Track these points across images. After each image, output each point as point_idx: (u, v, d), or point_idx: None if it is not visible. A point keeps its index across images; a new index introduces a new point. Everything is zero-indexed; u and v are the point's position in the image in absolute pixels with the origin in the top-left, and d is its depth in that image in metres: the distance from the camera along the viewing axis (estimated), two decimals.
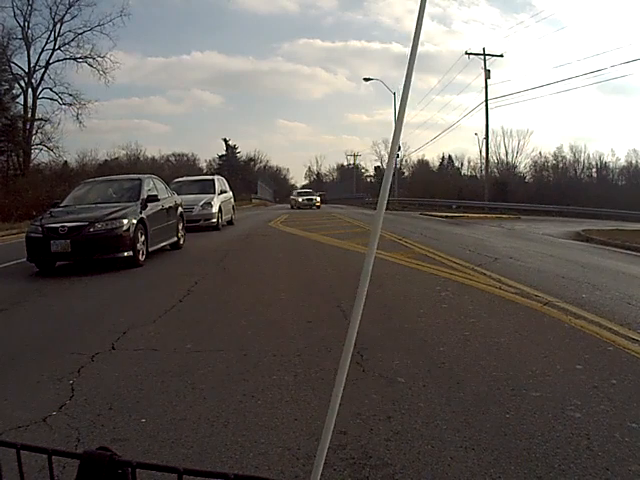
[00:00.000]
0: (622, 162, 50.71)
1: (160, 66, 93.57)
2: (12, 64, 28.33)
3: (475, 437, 2.49)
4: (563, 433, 2.51)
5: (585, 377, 3.24)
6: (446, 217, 23.22)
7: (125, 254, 7.92)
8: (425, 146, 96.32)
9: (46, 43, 29.91)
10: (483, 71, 32.17)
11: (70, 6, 29.51)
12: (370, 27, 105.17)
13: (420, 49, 0.71)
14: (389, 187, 0.68)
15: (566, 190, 38.28)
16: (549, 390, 3.03)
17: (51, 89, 30.02)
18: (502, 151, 50.91)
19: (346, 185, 64.29)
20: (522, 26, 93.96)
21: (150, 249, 8.75)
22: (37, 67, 29.87)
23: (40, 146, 29.40)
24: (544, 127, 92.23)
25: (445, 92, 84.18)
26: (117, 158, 42.87)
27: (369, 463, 2.28)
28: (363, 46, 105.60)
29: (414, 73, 0.69)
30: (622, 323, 4.43)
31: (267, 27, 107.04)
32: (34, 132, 29.43)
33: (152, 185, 9.77)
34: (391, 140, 0.71)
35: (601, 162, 49.78)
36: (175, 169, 47.50)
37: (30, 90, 29.58)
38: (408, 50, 0.68)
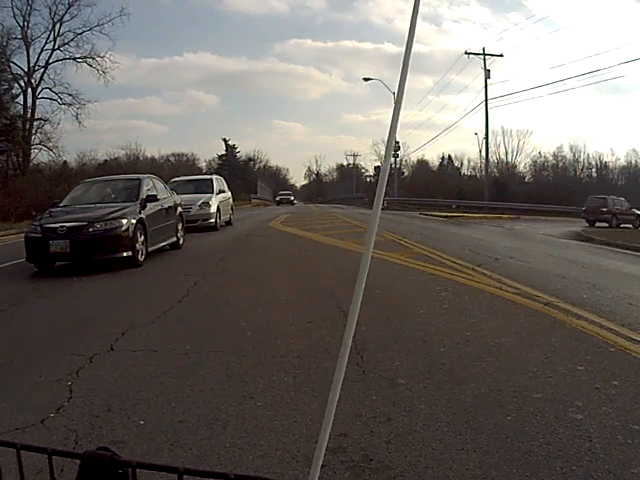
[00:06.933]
0: (622, 162, 50.86)
1: (155, 67, 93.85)
2: (12, 64, 28.38)
3: (476, 439, 2.47)
4: (565, 435, 2.49)
5: (587, 378, 3.22)
6: (446, 217, 23.21)
7: (124, 254, 7.88)
8: (425, 146, 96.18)
9: (45, 43, 29.95)
10: (482, 71, 32.18)
11: (69, 6, 29.55)
12: (361, 27, 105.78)
13: (413, 49, 0.69)
14: (385, 187, 0.67)
15: (566, 190, 38.21)
16: (550, 391, 3.01)
17: (50, 89, 30.04)
18: (502, 151, 51.02)
19: (346, 185, 64.30)
20: (518, 27, 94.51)
21: (149, 249, 8.72)
22: (37, 67, 29.90)
23: (39, 146, 29.45)
24: (544, 127, 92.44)
25: (443, 92, 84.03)
26: (116, 158, 42.96)
27: (369, 466, 2.26)
28: (355, 46, 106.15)
29: (408, 73, 0.67)
30: (623, 324, 4.41)
31: (259, 28, 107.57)
32: (34, 132, 29.45)
33: (151, 185, 9.74)
34: (386, 140, 0.70)
35: (601, 162, 49.91)
36: (175, 169, 47.41)
37: (30, 90, 29.58)
38: (401, 49, 0.66)
